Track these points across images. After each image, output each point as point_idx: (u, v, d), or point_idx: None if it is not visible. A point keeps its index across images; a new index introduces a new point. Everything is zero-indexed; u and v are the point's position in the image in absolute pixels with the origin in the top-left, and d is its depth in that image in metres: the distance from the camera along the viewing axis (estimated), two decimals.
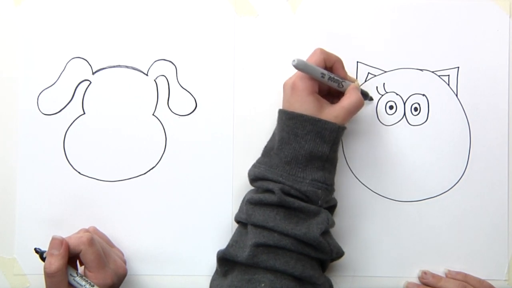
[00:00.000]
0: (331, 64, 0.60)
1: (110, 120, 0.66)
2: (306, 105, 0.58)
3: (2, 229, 0.65)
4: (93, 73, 0.66)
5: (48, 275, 0.54)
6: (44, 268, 0.54)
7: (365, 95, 0.65)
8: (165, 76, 0.66)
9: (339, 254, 0.59)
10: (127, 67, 0.66)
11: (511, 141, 0.67)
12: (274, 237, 0.55)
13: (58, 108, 0.66)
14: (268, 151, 0.61)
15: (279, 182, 0.57)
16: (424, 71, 0.67)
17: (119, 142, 0.66)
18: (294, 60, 0.56)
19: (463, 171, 0.66)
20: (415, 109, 0.67)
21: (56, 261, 0.54)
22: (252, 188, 0.61)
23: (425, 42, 0.67)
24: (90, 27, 0.66)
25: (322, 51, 0.59)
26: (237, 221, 0.61)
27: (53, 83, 0.66)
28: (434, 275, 0.65)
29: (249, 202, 0.58)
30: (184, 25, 0.67)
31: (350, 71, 0.65)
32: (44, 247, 0.56)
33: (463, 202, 0.66)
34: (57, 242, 0.55)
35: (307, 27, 0.67)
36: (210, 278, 0.61)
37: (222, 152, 0.66)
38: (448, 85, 0.67)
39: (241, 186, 0.65)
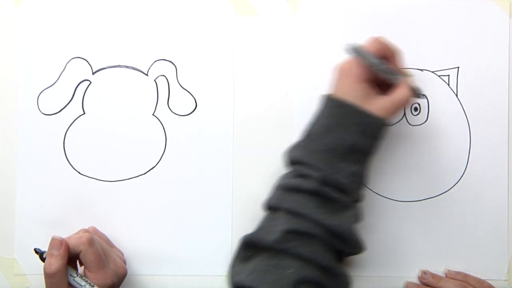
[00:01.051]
0: (388, 55, 0.59)
1: (110, 120, 0.66)
2: (354, 93, 0.57)
3: (2, 229, 0.65)
4: (93, 73, 0.66)
5: (48, 276, 0.54)
6: (44, 268, 0.54)
7: (416, 92, 0.62)
8: (165, 76, 0.66)
9: (363, 249, 0.59)
10: (127, 67, 0.66)
11: (511, 141, 0.67)
12: (306, 225, 0.55)
13: (58, 108, 0.66)
14: (308, 135, 0.59)
15: (318, 170, 0.56)
16: (424, 71, 0.67)
17: (119, 142, 0.66)
18: (350, 45, 0.56)
19: (463, 171, 0.66)
20: (415, 109, 0.67)
21: (56, 262, 0.54)
22: (283, 174, 0.60)
23: (425, 42, 0.67)
24: (90, 27, 0.66)
25: (381, 40, 0.58)
26: (267, 208, 0.60)
27: (53, 83, 0.66)
28: (434, 275, 0.65)
29: (283, 188, 0.57)
30: (184, 25, 0.67)
31: None
32: (44, 247, 0.56)
33: (463, 202, 0.66)
34: (56, 242, 0.55)
35: (307, 27, 0.67)
36: (210, 278, 0.61)
37: (222, 152, 0.66)
38: (448, 85, 0.67)
39: (241, 186, 0.65)
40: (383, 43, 0.58)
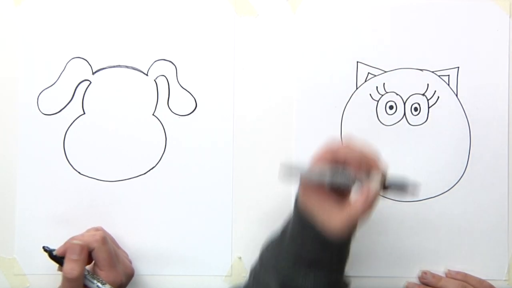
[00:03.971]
0: (343, 160, 0.52)
1: (110, 120, 0.66)
2: (316, 202, 0.53)
3: (2, 229, 0.65)
4: (93, 73, 0.66)
5: (69, 280, 0.54)
6: (65, 273, 0.54)
7: (402, 188, 0.53)
8: (165, 76, 0.66)
9: None
10: (127, 67, 0.66)
11: (511, 141, 0.67)
12: None
13: (58, 108, 0.66)
14: (282, 234, 0.56)
15: (280, 275, 0.54)
16: (424, 71, 0.67)
17: (119, 142, 0.66)
18: (285, 167, 0.52)
19: (463, 171, 0.66)
20: (415, 109, 0.67)
21: (77, 267, 0.54)
22: (253, 267, 0.59)
23: (425, 42, 0.67)
24: (90, 27, 0.66)
25: (334, 148, 0.53)
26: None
27: (53, 83, 0.66)
28: (434, 275, 0.65)
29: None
30: (184, 25, 0.67)
31: (350, 71, 0.65)
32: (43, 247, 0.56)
33: (463, 202, 0.66)
34: (77, 247, 0.54)
35: (307, 27, 0.67)
36: (210, 278, 0.61)
37: (222, 152, 0.66)
38: (448, 85, 0.67)
39: (241, 186, 0.65)
40: (337, 150, 0.53)
